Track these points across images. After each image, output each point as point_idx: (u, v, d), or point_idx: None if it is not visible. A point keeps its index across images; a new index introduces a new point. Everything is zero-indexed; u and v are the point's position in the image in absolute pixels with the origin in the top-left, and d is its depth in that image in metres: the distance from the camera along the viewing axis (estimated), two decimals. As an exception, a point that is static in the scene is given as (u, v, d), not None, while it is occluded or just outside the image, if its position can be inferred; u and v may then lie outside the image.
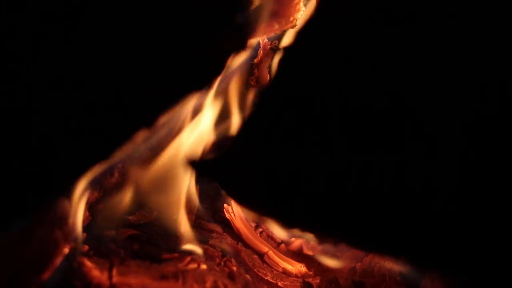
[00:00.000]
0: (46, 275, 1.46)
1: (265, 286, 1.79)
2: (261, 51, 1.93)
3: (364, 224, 1.53)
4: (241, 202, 1.65)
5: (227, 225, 1.97)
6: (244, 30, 1.77)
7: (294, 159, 1.54)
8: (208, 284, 1.59)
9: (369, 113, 1.46)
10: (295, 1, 1.89)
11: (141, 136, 1.64)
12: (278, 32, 1.87)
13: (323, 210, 1.56)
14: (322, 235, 1.74)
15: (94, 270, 1.55)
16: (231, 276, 1.66)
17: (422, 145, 1.44)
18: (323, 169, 1.53)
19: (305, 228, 1.67)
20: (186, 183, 1.84)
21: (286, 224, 1.73)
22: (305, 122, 1.50)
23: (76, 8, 1.50)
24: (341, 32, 1.54)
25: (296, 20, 1.86)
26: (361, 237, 1.58)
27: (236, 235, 1.94)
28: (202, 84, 1.70)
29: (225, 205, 1.96)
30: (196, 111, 1.73)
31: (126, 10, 1.59)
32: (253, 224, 1.97)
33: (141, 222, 1.83)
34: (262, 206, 1.63)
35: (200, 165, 1.60)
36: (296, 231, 1.80)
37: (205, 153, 1.69)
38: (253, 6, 1.83)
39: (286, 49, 1.67)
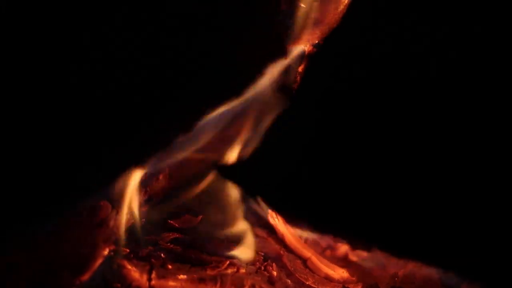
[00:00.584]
0: (85, 277, 1.50)
1: (306, 291, 1.78)
2: (306, 59, 1.91)
3: (404, 231, 1.50)
4: (277, 207, 1.65)
5: (272, 231, 1.96)
6: (285, 37, 1.77)
7: (331, 165, 1.53)
8: (246, 288, 1.59)
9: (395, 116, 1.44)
10: (339, 9, 1.87)
11: (182, 140, 1.66)
12: (320, 39, 1.85)
13: (365, 217, 1.54)
14: (365, 242, 1.71)
15: (134, 273, 1.59)
16: (270, 281, 1.66)
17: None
18: (366, 177, 1.51)
19: (346, 234, 1.65)
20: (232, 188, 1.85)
21: (327, 230, 1.71)
22: (337, 127, 1.49)
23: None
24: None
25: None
26: (402, 244, 1.55)
27: (280, 241, 1.94)
28: (238, 90, 1.70)
29: (269, 210, 1.95)
30: (232, 117, 1.74)
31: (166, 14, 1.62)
32: (298, 231, 1.95)
33: (185, 227, 1.85)
34: (302, 213, 1.63)
35: (236, 173, 1.61)
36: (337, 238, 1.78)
37: (241, 159, 1.69)
38: (297, 13, 1.83)
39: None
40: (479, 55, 1.44)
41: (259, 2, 1.76)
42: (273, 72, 1.79)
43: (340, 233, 1.58)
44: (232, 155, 1.72)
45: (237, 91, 1.73)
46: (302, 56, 1.86)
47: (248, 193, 1.72)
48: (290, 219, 1.74)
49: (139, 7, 1.60)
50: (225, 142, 1.78)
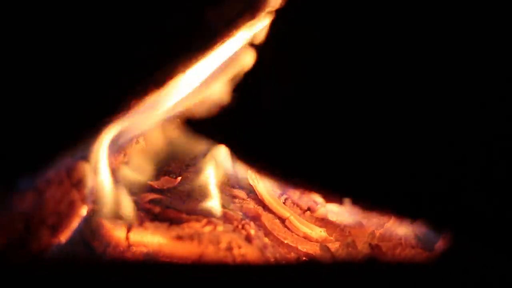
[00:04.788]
0: (64, 236, 1.53)
1: (284, 250, 1.81)
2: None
3: (381, 187, 1.52)
4: (254, 166, 1.66)
5: (251, 191, 1.99)
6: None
7: (310, 120, 1.54)
8: (223, 245, 1.62)
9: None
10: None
11: (156, 99, 1.67)
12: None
13: (342, 174, 1.56)
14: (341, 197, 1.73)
15: (113, 231, 1.61)
16: (248, 239, 1.68)
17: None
18: (345, 133, 1.53)
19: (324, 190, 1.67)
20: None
21: (307, 188, 1.73)
22: (319, 80, 1.50)
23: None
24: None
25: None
26: (378, 199, 1.57)
27: (260, 201, 1.96)
28: (209, 47, 1.71)
29: (248, 170, 1.97)
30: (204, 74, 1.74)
31: None
32: (278, 191, 1.97)
33: (165, 188, 1.87)
34: (279, 170, 1.64)
35: (210, 129, 1.62)
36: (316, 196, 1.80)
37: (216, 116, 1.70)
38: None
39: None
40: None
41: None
42: (242, 30, 1.79)
43: (315, 187, 1.60)
44: (207, 113, 1.73)
45: (207, 48, 1.72)
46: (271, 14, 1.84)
47: (225, 151, 1.73)
48: (267, 174, 1.75)
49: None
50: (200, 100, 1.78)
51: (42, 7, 1.54)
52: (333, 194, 1.67)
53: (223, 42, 1.73)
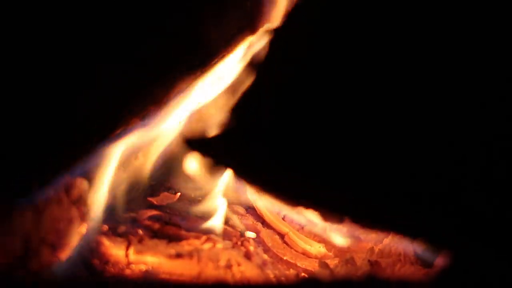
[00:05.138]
0: (64, 254, 1.53)
1: (284, 266, 1.81)
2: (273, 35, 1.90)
3: (380, 204, 1.52)
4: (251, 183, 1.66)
5: (250, 207, 2.00)
6: (253, 12, 1.77)
7: (309, 139, 1.54)
8: (222, 262, 1.62)
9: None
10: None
11: (155, 116, 1.69)
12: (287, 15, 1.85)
13: (340, 193, 1.56)
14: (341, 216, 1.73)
15: (112, 249, 1.61)
16: (247, 255, 1.69)
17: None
18: (343, 152, 1.53)
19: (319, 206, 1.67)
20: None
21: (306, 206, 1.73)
22: (319, 99, 1.50)
23: None
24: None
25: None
26: (378, 218, 1.57)
27: (259, 217, 1.97)
28: (207, 66, 1.73)
29: (248, 187, 1.98)
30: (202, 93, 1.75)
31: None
32: (275, 206, 1.98)
33: (163, 204, 1.88)
34: (277, 189, 1.64)
35: (209, 147, 1.62)
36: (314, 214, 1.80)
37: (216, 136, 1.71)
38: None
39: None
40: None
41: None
42: (241, 48, 1.80)
43: (313, 206, 1.60)
44: (206, 132, 1.73)
45: (206, 68, 1.74)
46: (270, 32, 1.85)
47: (225, 169, 1.73)
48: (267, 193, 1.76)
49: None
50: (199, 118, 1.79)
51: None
52: (331, 213, 1.67)
53: (222, 59, 1.74)
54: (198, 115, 1.79)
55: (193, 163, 1.71)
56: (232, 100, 1.71)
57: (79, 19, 1.58)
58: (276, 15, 1.85)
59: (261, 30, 1.82)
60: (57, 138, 1.57)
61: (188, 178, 1.88)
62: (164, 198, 1.92)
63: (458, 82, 1.44)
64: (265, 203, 1.94)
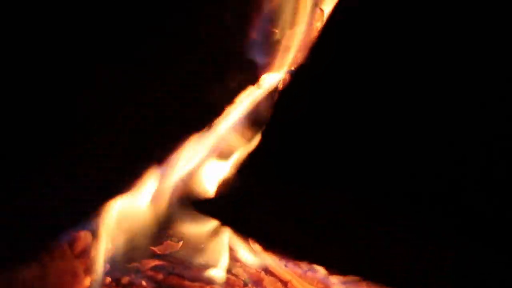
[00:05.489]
0: (69, 308, 1.52)
1: (287, 313, 1.80)
2: (280, 87, 1.92)
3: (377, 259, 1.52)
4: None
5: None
6: (257, 66, 1.78)
7: (308, 199, 1.54)
8: (226, 312, 1.61)
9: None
10: (313, 35, 1.89)
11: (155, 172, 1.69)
12: (294, 66, 1.87)
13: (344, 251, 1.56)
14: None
15: (116, 301, 1.61)
16: (250, 304, 1.67)
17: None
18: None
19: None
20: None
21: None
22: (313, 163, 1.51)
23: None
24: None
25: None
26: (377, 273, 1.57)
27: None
28: (210, 122, 1.74)
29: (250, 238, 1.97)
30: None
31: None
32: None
33: (167, 252, 1.87)
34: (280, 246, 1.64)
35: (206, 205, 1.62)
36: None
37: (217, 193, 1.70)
38: (268, 41, 1.85)
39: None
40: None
41: (228, 31, 1.78)
42: (245, 102, 1.82)
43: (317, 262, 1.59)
44: (206, 190, 1.73)
45: (208, 123, 1.75)
46: (276, 85, 1.88)
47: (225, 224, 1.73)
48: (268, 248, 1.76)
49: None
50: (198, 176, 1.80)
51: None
52: (336, 268, 1.66)
53: (224, 116, 1.76)
54: (199, 172, 1.80)
55: (194, 221, 1.71)
56: (235, 160, 1.71)
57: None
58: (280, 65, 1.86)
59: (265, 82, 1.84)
60: (60, 192, 1.58)
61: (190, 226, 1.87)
62: (167, 247, 1.91)
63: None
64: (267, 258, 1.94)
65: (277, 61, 1.87)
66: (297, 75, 1.82)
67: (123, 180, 1.65)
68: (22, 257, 1.48)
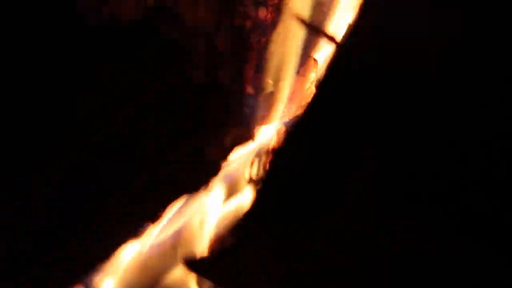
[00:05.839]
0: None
1: None
2: (277, 137, 1.90)
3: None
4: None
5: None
6: (252, 119, 1.77)
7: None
8: None
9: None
10: (306, 86, 1.88)
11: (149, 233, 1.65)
12: (290, 117, 1.86)
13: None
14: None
15: None
16: None
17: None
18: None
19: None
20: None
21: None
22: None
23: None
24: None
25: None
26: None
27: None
28: (206, 178, 1.70)
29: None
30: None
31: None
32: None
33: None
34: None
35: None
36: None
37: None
38: (263, 94, 1.83)
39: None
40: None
41: (222, 87, 1.75)
42: (241, 155, 1.78)
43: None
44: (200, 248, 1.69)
45: (204, 182, 1.71)
46: (272, 136, 1.85)
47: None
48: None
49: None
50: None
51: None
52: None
53: (219, 174, 1.71)
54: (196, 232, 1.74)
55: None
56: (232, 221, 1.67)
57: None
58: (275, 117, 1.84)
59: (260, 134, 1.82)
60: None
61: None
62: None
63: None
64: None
65: (272, 114, 1.84)
66: (293, 127, 1.77)
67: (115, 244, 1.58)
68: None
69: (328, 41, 1.81)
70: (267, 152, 1.84)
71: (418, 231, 1.46)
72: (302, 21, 1.82)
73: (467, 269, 1.33)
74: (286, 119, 1.90)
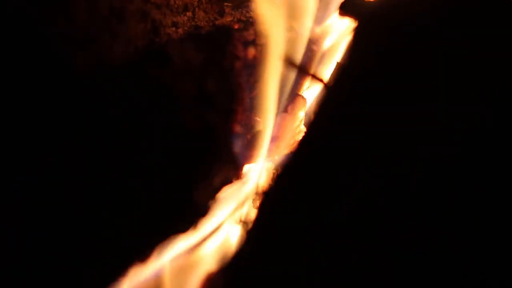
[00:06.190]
0: None
1: None
2: (267, 176, 1.89)
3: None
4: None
5: None
6: (240, 158, 1.77)
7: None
8: None
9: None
10: (295, 124, 1.89)
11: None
12: (277, 156, 1.86)
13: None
14: None
15: None
16: None
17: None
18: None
19: None
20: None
21: None
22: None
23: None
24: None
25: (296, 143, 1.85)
26: None
27: None
28: (194, 221, 1.70)
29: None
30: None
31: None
32: None
33: None
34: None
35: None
36: None
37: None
38: (251, 133, 1.83)
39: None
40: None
41: (210, 127, 1.75)
42: (228, 198, 1.78)
43: None
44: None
45: (193, 222, 1.70)
46: (261, 175, 1.85)
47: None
48: None
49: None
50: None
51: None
52: None
53: (210, 216, 1.70)
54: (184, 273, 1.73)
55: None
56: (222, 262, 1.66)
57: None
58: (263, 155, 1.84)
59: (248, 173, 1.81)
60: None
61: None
62: None
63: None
64: None
65: (261, 152, 1.84)
66: (283, 166, 1.77)
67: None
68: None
69: (316, 81, 1.82)
70: (257, 192, 1.84)
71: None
72: (290, 62, 1.83)
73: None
74: (276, 158, 1.90)
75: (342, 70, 1.67)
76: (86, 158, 1.61)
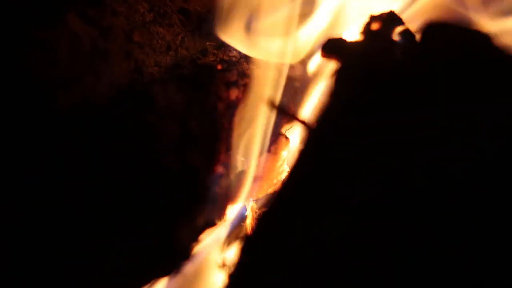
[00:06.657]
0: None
1: None
2: (251, 218, 1.88)
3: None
4: None
5: None
6: (222, 198, 1.76)
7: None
8: None
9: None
10: (278, 164, 1.89)
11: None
12: (259, 196, 1.85)
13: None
14: None
15: None
16: None
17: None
18: None
19: None
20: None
21: None
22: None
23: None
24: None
25: (279, 182, 1.84)
26: None
27: None
28: (176, 264, 1.68)
29: None
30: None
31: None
32: None
33: None
34: None
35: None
36: None
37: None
38: (233, 173, 1.83)
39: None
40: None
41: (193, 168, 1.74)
42: (213, 237, 1.75)
43: None
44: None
45: (175, 265, 1.69)
46: (245, 216, 1.84)
47: None
48: None
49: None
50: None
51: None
52: None
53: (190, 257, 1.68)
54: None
55: None
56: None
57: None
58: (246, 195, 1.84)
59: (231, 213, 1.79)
60: None
61: None
62: None
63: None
64: None
65: (243, 193, 1.83)
66: (266, 206, 1.76)
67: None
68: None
69: (298, 123, 1.83)
70: (241, 233, 1.82)
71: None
72: (272, 103, 1.84)
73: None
74: (259, 198, 1.90)
75: (324, 110, 1.68)
76: (64, 201, 1.59)
